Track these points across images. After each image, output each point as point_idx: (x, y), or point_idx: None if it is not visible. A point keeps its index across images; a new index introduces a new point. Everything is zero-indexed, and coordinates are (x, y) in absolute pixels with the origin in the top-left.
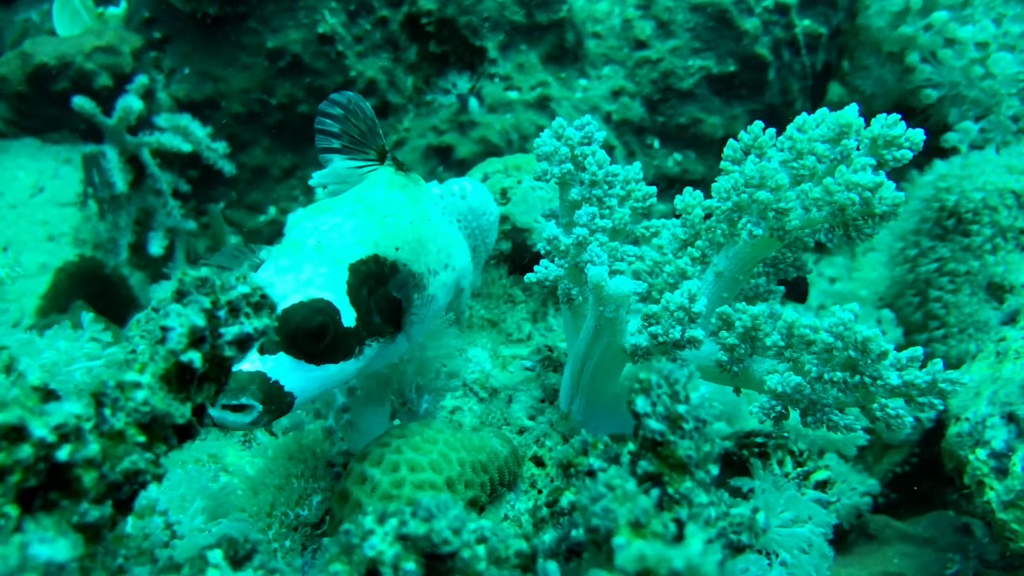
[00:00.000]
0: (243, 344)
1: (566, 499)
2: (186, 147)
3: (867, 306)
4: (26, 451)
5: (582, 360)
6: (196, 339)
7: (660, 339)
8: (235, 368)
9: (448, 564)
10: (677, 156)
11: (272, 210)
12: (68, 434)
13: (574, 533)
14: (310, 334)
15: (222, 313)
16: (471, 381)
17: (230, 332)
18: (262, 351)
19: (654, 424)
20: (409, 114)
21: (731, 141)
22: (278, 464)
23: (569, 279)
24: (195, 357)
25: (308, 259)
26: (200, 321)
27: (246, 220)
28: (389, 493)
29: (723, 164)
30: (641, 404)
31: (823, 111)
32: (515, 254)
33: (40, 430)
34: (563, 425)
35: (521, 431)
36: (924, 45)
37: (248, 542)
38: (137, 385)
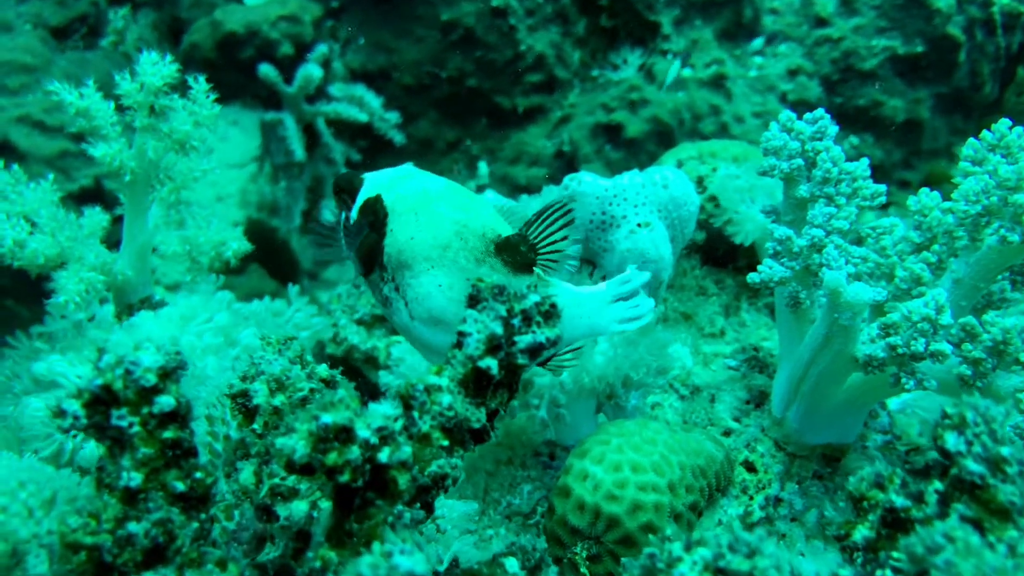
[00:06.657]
0: (534, 353)
1: (859, 534)
2: (363, 117)
3: None
4: (354, 452)
5: (805, 366)
6: (493, 346)
7: (900, 351)
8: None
9: None
10: (853, 139)
11: None
12: (387, 436)
13: (879, 573)
14: (337, 179)
15: (516, 321)
16: (671, 377)
17: (523, 340)
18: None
19: (972, 466)
20: (575, 90)
21: (971, 140)
22: (485, 449)
23: (798, 281)
24: (492, 364)
25: (384, 173)
26: (499, 329)
27: None
28: (612, 493)
29: (963, 164)
30: (952, 441)
31: None
32: (708, 245)
33: (364, 431)
34: (776, 431)
35: (727, 433)
36: None
37: (536, 551)
38: (440, 389)
